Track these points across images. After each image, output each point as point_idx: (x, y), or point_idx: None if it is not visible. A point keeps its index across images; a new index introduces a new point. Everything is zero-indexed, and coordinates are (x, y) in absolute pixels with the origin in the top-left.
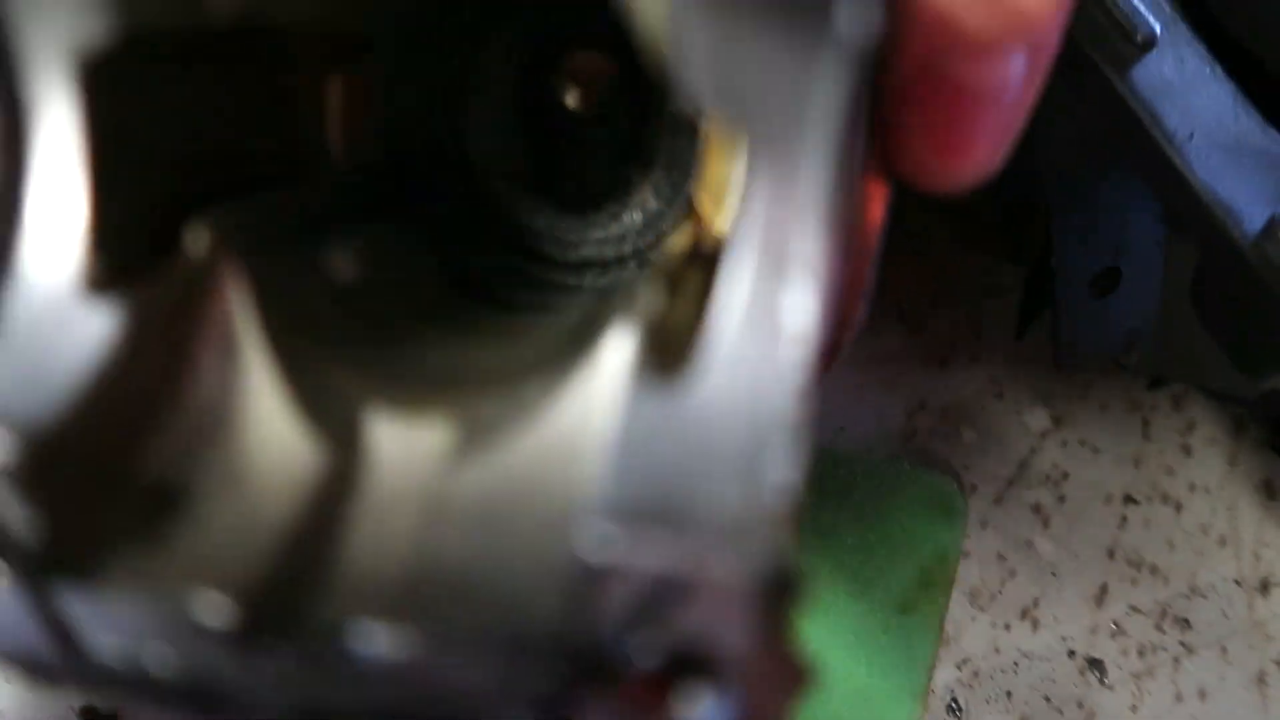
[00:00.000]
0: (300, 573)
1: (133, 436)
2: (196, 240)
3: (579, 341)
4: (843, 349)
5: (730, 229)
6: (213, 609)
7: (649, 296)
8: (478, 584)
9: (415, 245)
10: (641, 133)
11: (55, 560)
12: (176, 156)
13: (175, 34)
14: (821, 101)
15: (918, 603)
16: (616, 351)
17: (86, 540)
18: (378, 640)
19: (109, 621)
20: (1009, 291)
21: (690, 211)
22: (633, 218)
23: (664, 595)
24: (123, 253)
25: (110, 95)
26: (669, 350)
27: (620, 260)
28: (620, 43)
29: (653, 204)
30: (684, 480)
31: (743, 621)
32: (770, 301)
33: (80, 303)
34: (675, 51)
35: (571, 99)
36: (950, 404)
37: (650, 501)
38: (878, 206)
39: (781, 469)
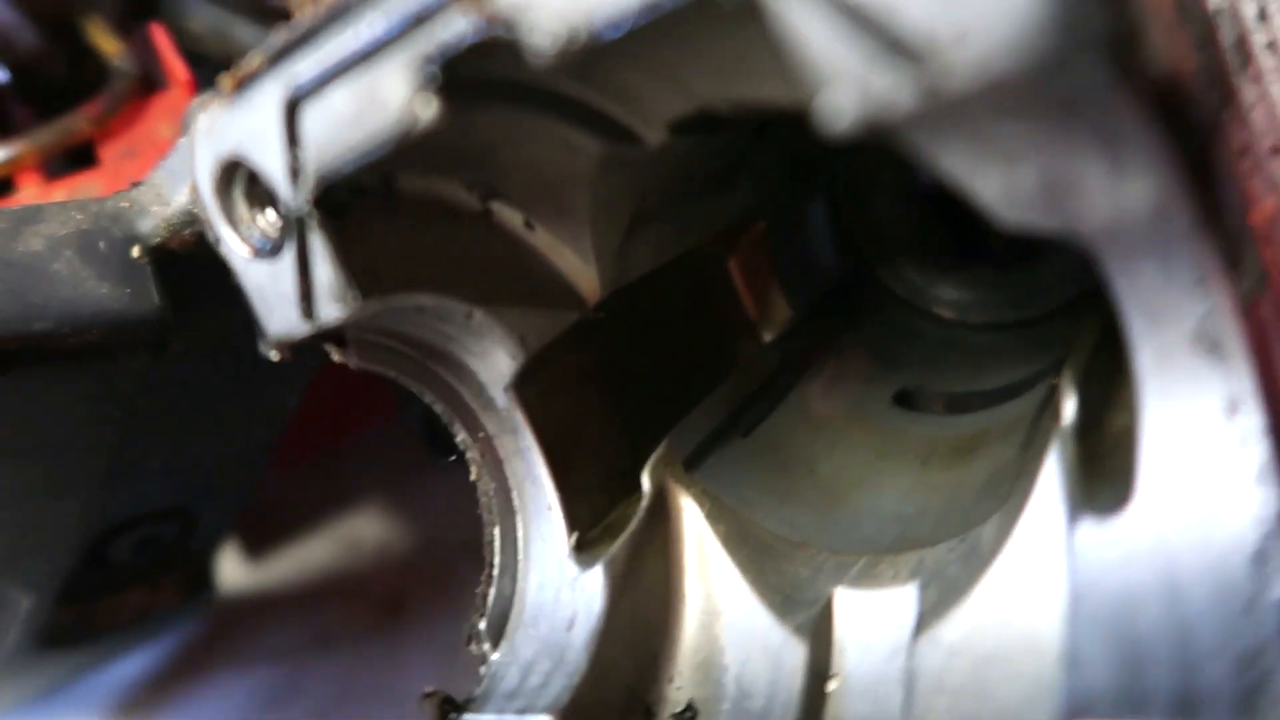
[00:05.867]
0: None
1: (648, 666)
2: (649, 478)
3: (1023, 458)
4: None
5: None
6: None
7: (1075, 402)
8: None
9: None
10: None
11: None
12: (616, 422)
13: (580, 325)
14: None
15: None
16: (1052, 474)
17: None
18: None
19: None
20: None
21: None
22: (1042, 272)
23: None
24: (591, 517)
25: (540, 401)
26: (1105, 467)
27: (1037, 321)
28: None
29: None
30: (1157, 635)
31: None
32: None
33: (572, 569)
34: None
35: None
36: None
37: (1127, 672)
38: None
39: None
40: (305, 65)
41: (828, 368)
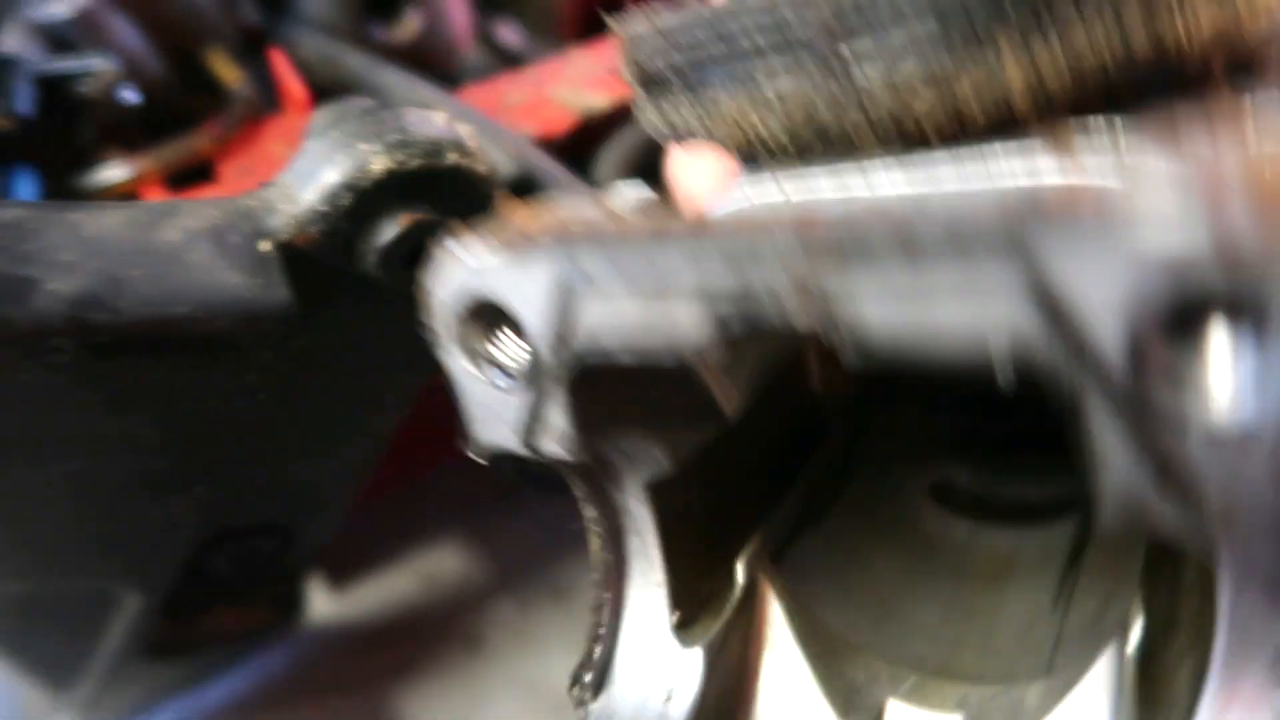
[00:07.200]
0: None
1: None
2: (744, 571)
3: (1059, 617)
4: None
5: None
6: None
7: (1138, 618)
8: None
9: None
10: None
11: None
12: (717, 505)
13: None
14: None
15: None
16: (1106, 672)
17: None
18: None
19: None
20: None
21: None
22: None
23: None
24: (691, 600)
25: (666, 496)
26: (1157, 685)
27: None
28: None
29: None
30: None
31: None
32: None
33: (669, 645)
34: None
35: None
36: None
37: None
38: None
39: None
40: (593, 262)
41: (878, 449)
